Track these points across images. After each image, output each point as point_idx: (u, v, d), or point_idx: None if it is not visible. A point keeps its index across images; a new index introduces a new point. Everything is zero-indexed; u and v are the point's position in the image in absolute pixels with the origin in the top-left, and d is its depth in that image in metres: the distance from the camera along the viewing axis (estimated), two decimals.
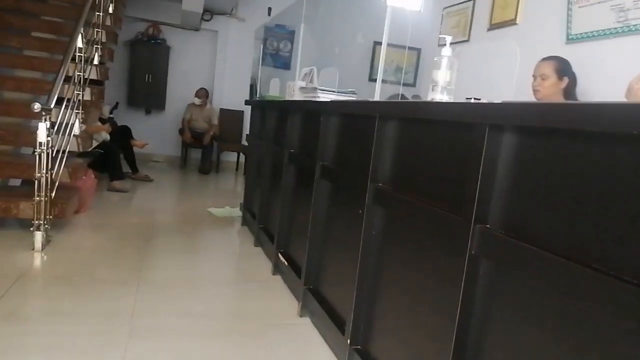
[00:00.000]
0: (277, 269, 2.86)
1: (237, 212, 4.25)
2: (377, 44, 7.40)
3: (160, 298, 2.35)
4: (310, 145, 2.47)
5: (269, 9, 6.80)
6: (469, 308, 1.18)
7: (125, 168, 5.49)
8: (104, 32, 4.28)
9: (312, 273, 2.34)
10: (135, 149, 5.53)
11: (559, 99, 2.50)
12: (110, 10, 4.90)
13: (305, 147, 2.63)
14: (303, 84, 2.71)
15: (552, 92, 2.48)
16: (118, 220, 3.76)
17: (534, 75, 2.53)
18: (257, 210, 3.50)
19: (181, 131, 6.60)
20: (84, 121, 3.77)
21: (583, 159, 0.93)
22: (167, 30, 6.84)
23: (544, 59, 2.54)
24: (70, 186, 3.51)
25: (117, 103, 6.24)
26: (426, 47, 6.81)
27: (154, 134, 6.91)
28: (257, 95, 4.07)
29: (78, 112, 3.60)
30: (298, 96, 2.79)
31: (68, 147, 3.38)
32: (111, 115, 6.11)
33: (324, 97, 2.40)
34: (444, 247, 1.33)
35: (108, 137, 4.88)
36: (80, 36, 3.55)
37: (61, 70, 3.12)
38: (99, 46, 4.27)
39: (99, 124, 4.87)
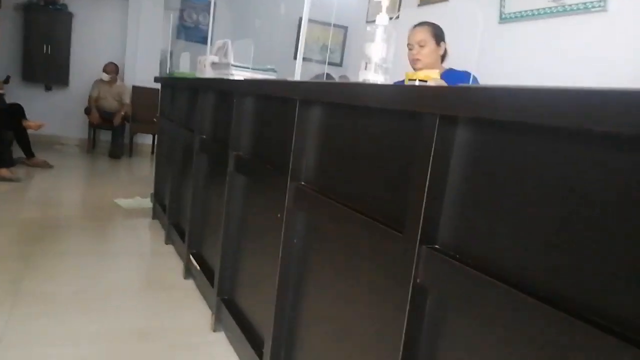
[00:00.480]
0: (188, 272, 2.50)
1: (147, 203, 3.80)
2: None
3: (41, 319, 1.92)
4: (223, 131, 2.11)
5: None
6: (414, 343, 0.92)
7: (19, 153, 4.81)
8: None
9: (226, 281, 2.02)
10: (30, 131, 4.83)
11: (439, 67, 2.34)
12: None
13: (218, 133, 2.26)
14: (216, 59, 2.33)
15: (432, 59, 2.32)
16: (1, 217, 3.20)
17: (409, 44, 2.34)
18: (167, 203, 3.09)
19: (87, 110, 5.91)
20: None
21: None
22: None
23: (418, 25, 2.36)
24: None
25: (8, 77, 5.46)
26: (353, 26, 6.58)
27: (56, 114, 6.17)
28: (167, 72, 3.59)
29: None
30: (210, 73, 2.41)
31: None
32: (1, 91, 5.33)
33: (239, 74, 2.04)
34: (380, 269, 1.06)
35: None
36: None
37: None
38: None
39: None
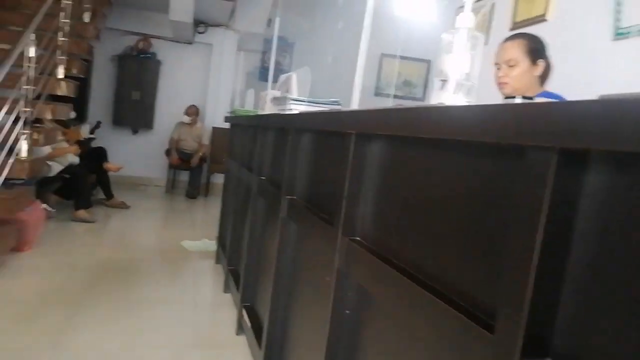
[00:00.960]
0: (241, 328, 2.23)
1: (213, 245, 3.64)
2: (385, 56, 6.82)
3: None
4: (279, 172, 1.86)
5: (269, 20, 6.29)
6: None
7: (100, 194, 4.95)
8: (68, 41, 3.74)
9: (275, 342, 1.71)
10: (112, 173, 4.97)
11: (536, 90, 1.82)
12: (86, 19, 4.41)
13: (275, 174, 2.02)
14: (277, 93, 2.12)
15: (525, 83, 1.81)
16: (66, 260, 3.16)
17: (496, 64, 1.86)
18: (228, 248, 2.89)
19: (168, 152, 6.05)
20: (36, 142, 3.22)
21: None
22: (158, 43, 6.36)
23: (509, 38, 1.86)
24: (6, 220, 2.94)
25: (98, 122, 5.74)
26: (437, 59, 6.24)
27: (141, 156, 6.39)
28: (231, 111, 3.48)
29: (25, 133, 3.05)
30: (270, 109, 2.20)
31: (4, 174, 2.82)
32: (92, 136, 5.61)
33: (297, 108, 1.79)
34: None
35: (77, 159, 4.33)
36: (31, 44, 3.02)
37: None
38: (63, 57, 3.74)
39: (66, 145, 4.32)
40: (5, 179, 3.08)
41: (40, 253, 3.20)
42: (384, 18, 6.62)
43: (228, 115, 3.30)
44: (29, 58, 2.98)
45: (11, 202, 2.81)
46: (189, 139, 6.04)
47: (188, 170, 6.03)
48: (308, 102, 1.89)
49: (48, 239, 3.53)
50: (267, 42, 6.53)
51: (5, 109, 2.81)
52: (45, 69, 3.40)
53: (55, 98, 4.17)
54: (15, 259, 3.01)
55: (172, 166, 6.06)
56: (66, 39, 3.66)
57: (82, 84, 5.99)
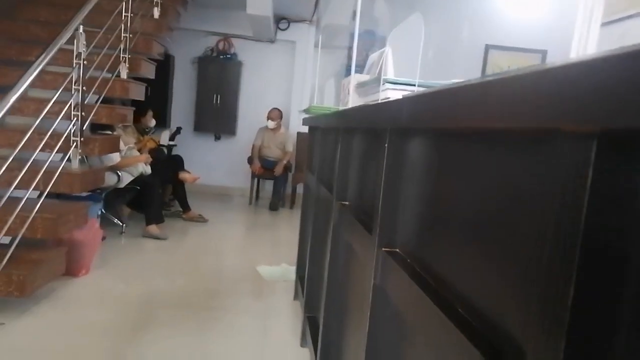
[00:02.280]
0: None
1: (293, 273, 3.02)
2: (491, 47, 5.94)
3: None
4: (368, 193, 1.18)
5: (354, 12, 5.62)
6: None
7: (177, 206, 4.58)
8: (129, 38, 3.34)
9: None
10: (197, 182, 4.58)
11: None
12: (156, 14, 4.04)
13: (363, 197, 1.32)
14: (364, 77, 1.43)
15: None
16: (120, 288, 2.71)
17: None
18: (306, 286, 2.24)
19: (250, 160, 5.59)
20: (90, 151, 2.82)
21: None
22: (239, 43, 5.96)
23: None
24: (58, 241, 2.54)
25: (178, 128, 5.42)
26: (554, 49, 5.23)
27: (223, 164, 6.03)
28: (305, 109, 2.82)
29: (75, 141, 2.64)
30: (354, 101, 1.51)
31: (49, 187, 2.42)
32: (172, 143, 5.30)
33: (395, 94, 1.09)
34: None
35: (148, 169, 3.95)
36: (80, 38, 2.62)
37: (23, 80, 2.16)
38: (126, 56, 3.36)
39: (136, 153, 3.97)
40: (57, 193, 2.71)
41: (94, 278, 2.79)
42: (488, 5, 5.74)
43: (305, 116, 2.66)
44: (79, 54, 2.56)
45: (57, 221, 2.39)
46: (272, 145, 5.54)
47: (272, 180, 5.54)
48: (411, 84, 1.17)
49: (111, 260, 3.14)
50: (354, 36, 5.87)
51: (46, 111, 2.39)
52: (105, 69, 3.01)
53: (124, 102, 3.83)
54: (66, 285, 2.60)
55: (255, 175, 5.59)
56: (128, 35, 3.25)
57: (163, 88, 5.76)
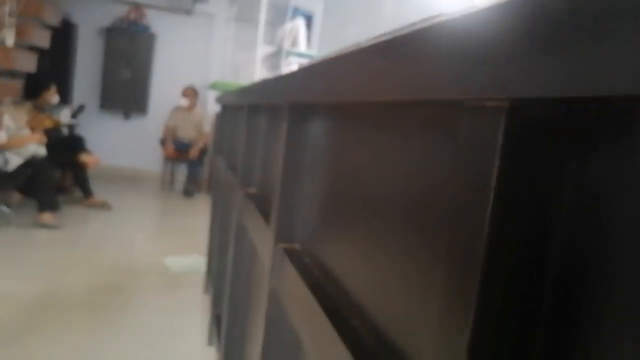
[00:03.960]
0: None
1: (204, 264, 2.80)
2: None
3: None
4: (271, 180, 1.03)
5: None
6: None
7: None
8: (17, 2, 2.90)
9: None
10: (105, 164, 4.15)
11: None
12: None
13: (267, 184, 1.15)
14: (270, 49, 1.24)
15: None
16: (6, 286, 2.35)
17: None
18: (214, 279, 2.04)
19: (163, 142, 5.21)
20: None
21: None
22: (152, 14, 5.50)
23: None
24: None
25: (81, 106, 4.92)
26: None
27: (134, 145, 5.59)
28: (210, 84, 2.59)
29: None
30: (261, 76, 1.32)
31: None
32: (74, 121, 4.80)
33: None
34: None
35: (42, 151, 3.51)
36: None
37: None
38: (13, 20, 2.91)
39: (28, 132, 3.51)
40: None
41: None
42: None
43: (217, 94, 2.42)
44: None
45: None
46: (187, 126, 5.19)
47: (187, 163, 5.21)
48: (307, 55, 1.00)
49: None
50: (280, 12, 5.62)
51: None
52: None
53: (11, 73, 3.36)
54: None
55: (168, 158, 5.23)
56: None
57: (64, 61, 5.20)
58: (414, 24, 0.38)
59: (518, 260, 0.27)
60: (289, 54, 1.01)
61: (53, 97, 4.00)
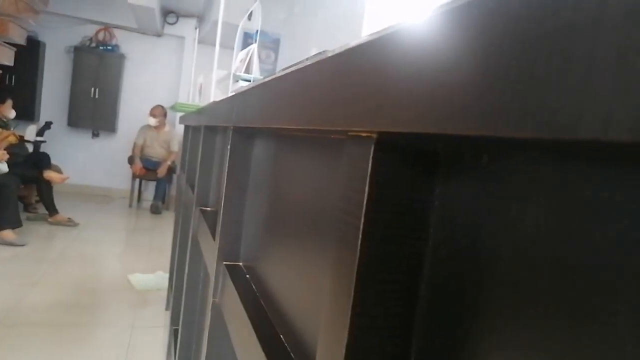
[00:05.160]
0: None
1: (167, 281, 2.83)
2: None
3: None
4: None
5: (250, 12, 5.52)
6: None
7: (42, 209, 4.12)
8: None
9: None
10: (72, 182, 4.14)
11: None
12: None
13: (217, 203, 1.23)
14: (222, 73, 1.34)
15: None
16: None
17: None
18: (173, 296, 2.09)
19: (130, 160, 5.22)
20: None
21: None
22: (122, 35, 5.55)
23: None
24: None
25: (48, 122, 4.91)
26: None
27: (102, 163, 5.58)
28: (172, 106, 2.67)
29: None
30: (216, 98, 1.41)
31: None
32: (40, 138, 4.78)
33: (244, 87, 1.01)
34: None
35: (4, 167, 3.50)
36: None
37: None
38: None
39: None
40: None
41: None
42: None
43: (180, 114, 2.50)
44: None
45: None
46: (155, 145, 5.22)
47: (155, 181, 5.22)
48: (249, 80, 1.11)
49: None
50: (248, 36, 5.75)
51: None
52: None
53: None
54: None
55: (136, 176, 5.23)
56: None
57: (30, 78, 5.19)
58: (307, 59, 0.44)
59: (388, 271, 0.30)
60: (237, 77, 1.10)
61: (9, 111, 4.00)
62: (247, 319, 0.62)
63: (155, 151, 5.21)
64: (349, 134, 0.33)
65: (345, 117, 0.30)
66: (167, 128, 5.27)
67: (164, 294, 2.78)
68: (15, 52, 3.52)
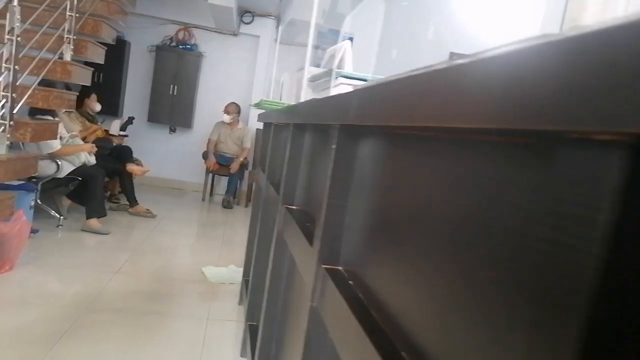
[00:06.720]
0: None
1: (240, 275, 2.87)
2: (455, 56, 5.96)
3: None
4: (316, 199, 1.07)
5: (324, 11, 5.53)
6: None
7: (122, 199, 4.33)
8: (75, 18, 3.10)
9: None
10: (149, 174, 4.34)
11: None
12: None
13: (310, 203, 1.20)
14: (316, 70, 1.31)
15: None
16: (52, 287, 2.49)
17: None
18: (250, 291, 2.10)
19: (205, 155, 5.38)
20: (22, 137, 2.58)
21: None
22: (200, 34, 5.74)
23: None
24: None
25: (130, 118, 5.15)
26: None
27: (178, 158, 5.80)
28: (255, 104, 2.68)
29: (4, 124, 2.40)
30: (307, 96, 1.39)
31: None
32: (123, 133, 5.02)
33: (347, 87, 0.97)
34: None
35: (92, 159, 3.70)
36: (13, 11, 2.38)
37: None
38: (71, 37, 3.12)
39: (80, 141, 3.71)
40: None
41: (19, 275, 2.55)
42: (453, 13, 5.74)
43: (260, 111, 2.51)
44: (12, 29, 2.32)
45: None
46: (228, 141, 5.35)
47: (227, 176, 5.35)
48: (364, 79, 1.06)
49: (42, 255, 2.89)
50: (322, 35, 5.76)
51: None
52: (43, 48, 2.77)
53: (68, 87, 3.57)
54: None
55: (209, 171, 5.39)
56: (74, 14, 3.01)
57: (116, 75, 5.48)
58: (500, 47, 0.35)
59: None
60: (338, 75, 1.06)
61: (95, 105, 4.24)
62: (360, 329, 0.57)
63: (229, 147, 5.34)
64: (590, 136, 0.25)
65: (582, 116, 0.23)
66: (240, 125, 5.38)
67: (234, 287, 2.82)
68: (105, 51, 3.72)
